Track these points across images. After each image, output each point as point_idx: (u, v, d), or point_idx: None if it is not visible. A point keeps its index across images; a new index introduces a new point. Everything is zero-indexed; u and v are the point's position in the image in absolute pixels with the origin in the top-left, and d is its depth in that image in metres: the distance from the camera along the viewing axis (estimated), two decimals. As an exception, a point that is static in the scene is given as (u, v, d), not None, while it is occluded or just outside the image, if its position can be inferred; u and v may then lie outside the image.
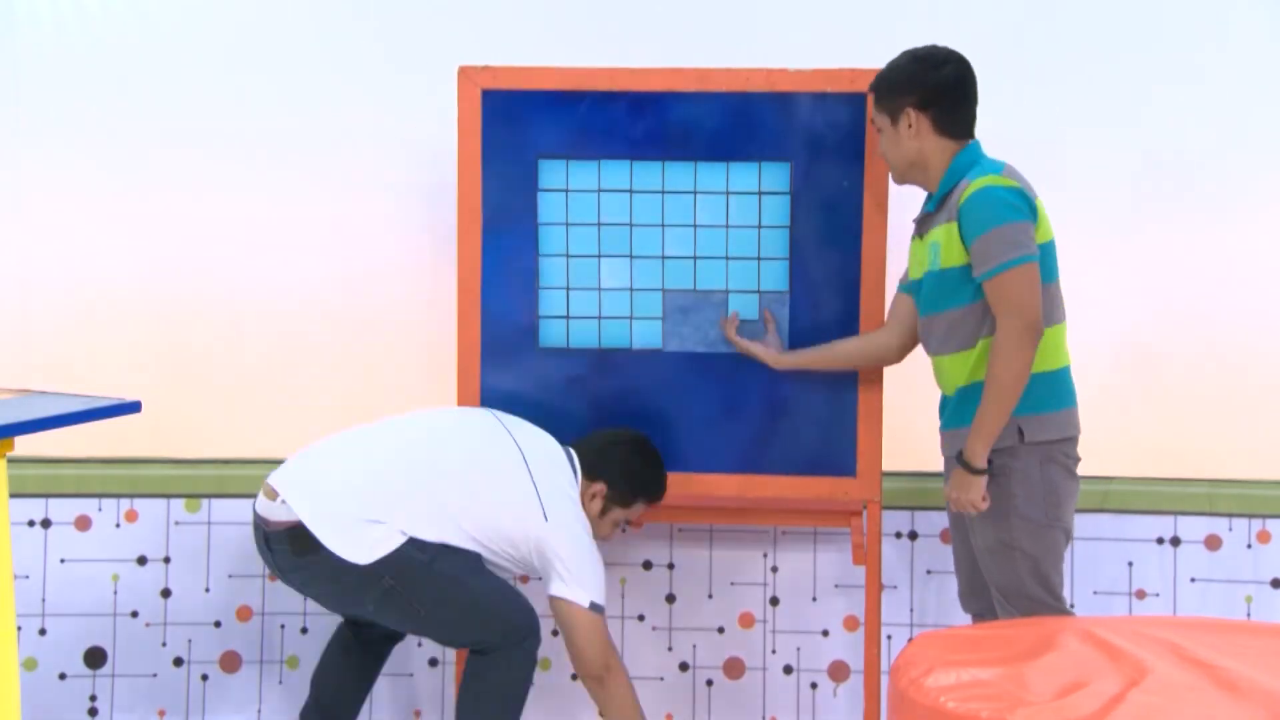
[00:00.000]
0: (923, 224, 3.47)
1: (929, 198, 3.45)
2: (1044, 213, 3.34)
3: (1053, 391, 3.33)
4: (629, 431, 3.70)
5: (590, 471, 3.62)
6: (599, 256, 3.78)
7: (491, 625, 3.44)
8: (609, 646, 3.49)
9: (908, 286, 3.59)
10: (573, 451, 3.64)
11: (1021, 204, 3.26)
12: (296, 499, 3.36)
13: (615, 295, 3.78)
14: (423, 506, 3.39)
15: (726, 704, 4.17)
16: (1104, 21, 4.09)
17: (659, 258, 3.77)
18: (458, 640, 3.57)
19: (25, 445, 3.15)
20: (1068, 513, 3.37)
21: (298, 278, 4.16)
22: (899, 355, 3.65)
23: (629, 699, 3.52)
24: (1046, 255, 3.31)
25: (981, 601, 3.51)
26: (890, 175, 3.53)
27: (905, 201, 3.68)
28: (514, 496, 3.46)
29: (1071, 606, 3.47)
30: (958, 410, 3.38)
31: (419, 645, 4.17)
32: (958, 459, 3.30)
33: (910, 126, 3.38)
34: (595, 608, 3.45)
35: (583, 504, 3.58)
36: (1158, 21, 4.09)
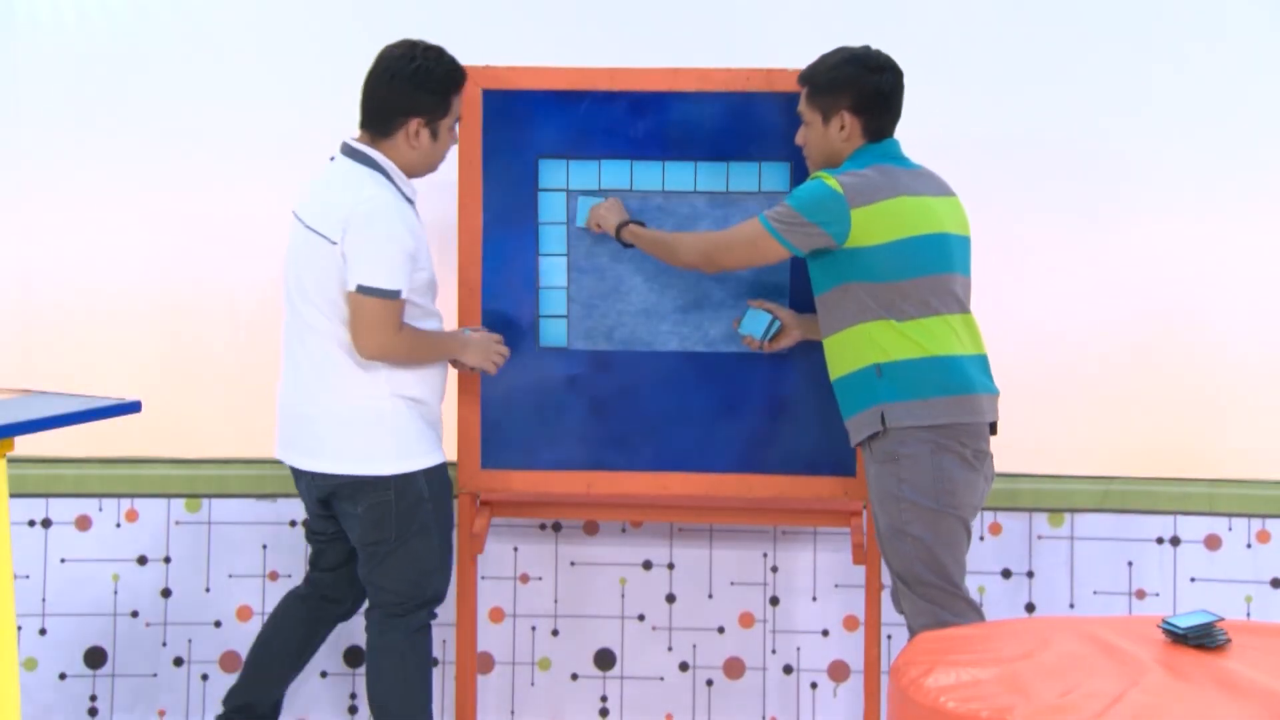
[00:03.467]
0: None
1: None
2: (904, 210, 3.35)
3: (918, 379, 3.36)
4: (389, 58, 3.51)
5: (387, 123, 3.47)
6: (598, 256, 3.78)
7: (425, 581, 3.51)
8: (394, 329, 3.39)
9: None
10: (358, 148, 3.49)
11: (820, 204, 3.34)
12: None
13: (615, 295, 3.77)
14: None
15: (726, 704, 4.16)
16: (1084, 20, 4.09)
17: (659, 258, 3.76)
18: (389, 583, 3.52)
19: (25, 445, 3.16)
20: (965, 503, 3.39)
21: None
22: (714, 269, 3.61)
23: (414, 334, 3.46)
24: (902, 250, 3.33)
25: None
26: (806, 162, 3.56)
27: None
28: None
29: (981, 604, 3.44)
30: (840, 401, 3.48)
31: (419, 645, 4.16)
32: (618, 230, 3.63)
33: (843, 129, 3.44)
34: (379, 292, 3.36)
35: (408, 147, 3.47)
36: (1145, 19, 4.10)
